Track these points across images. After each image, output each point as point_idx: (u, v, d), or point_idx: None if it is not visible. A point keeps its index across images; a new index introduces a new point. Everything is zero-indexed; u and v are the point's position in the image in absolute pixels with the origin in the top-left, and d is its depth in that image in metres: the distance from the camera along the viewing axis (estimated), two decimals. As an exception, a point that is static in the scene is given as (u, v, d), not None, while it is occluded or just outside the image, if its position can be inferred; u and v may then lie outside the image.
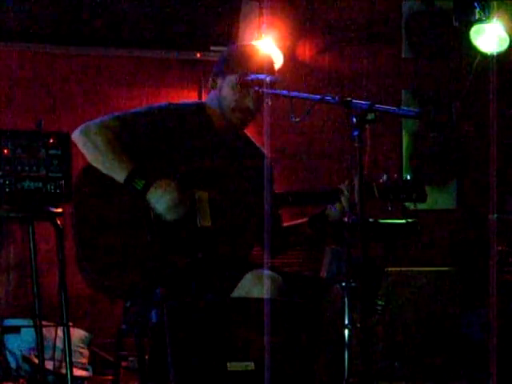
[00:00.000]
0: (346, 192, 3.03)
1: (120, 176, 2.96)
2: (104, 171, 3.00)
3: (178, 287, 2.94)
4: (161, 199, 2.95)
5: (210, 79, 3.22)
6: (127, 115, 3.11)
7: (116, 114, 3.11)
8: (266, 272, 2.94)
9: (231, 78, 3.13)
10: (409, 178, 3.06)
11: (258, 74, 3.07)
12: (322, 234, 3.21)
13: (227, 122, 3.19)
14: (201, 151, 3.13)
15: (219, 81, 3.18)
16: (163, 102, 3.23)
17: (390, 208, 3.03)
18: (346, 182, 3.04)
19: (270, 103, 3.08)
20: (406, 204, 3.10)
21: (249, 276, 2.93)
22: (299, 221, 3.25)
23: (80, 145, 3.06)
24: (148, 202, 2.96)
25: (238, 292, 2.92)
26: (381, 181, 3.05)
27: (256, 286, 2.89)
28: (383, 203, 3.03)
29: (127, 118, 3.08)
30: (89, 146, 3.02)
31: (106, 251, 2.96)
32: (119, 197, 3.00)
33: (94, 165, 3.02)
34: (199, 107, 3.23)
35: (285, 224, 3.29)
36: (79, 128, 3.07)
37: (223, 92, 3.16)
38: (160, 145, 3.07)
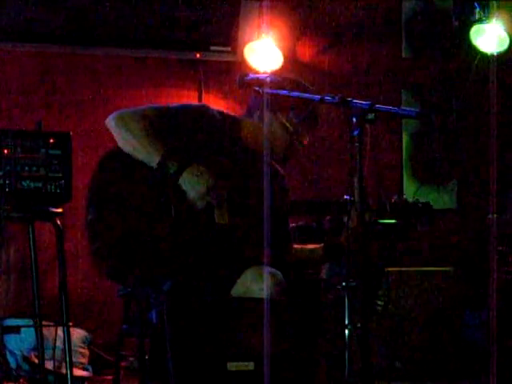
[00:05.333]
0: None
1: (153, 158, 2.96)
2: (135, 154, 3.00)
3: (186, 280, 2.94)
4: (195, 184, 2.96)
5: None
6: (164, 107, 3.15)
7: (153, 105, 3.17)
8: (267, 268, 2.95)
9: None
10: (420, 201, 3.37)
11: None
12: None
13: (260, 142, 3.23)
14: (225, 156, 3.15)
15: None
16: (179, 101, 3.29)
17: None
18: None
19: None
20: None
21: (249, 272, 2.94)
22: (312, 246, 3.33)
23: (113, 127, 3.07)
24: (180, 186, 2.96)
25: (237, 288, 2.94)
26: (393, 200, 3.33)
27: (256, 282, 2.90)
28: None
29: (163, 110, 3.12)
30: (122, 129, 3.04)
31: (124, 239, 2.95)
32: (140, 187, 3.00)
33: (125, 148, 3.03)
34: (233, 119, 3.25)
35: (298, 246, 3.35)
36: (114, 113, 3.10)
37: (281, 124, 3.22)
38: (189, 142, 3.09)
